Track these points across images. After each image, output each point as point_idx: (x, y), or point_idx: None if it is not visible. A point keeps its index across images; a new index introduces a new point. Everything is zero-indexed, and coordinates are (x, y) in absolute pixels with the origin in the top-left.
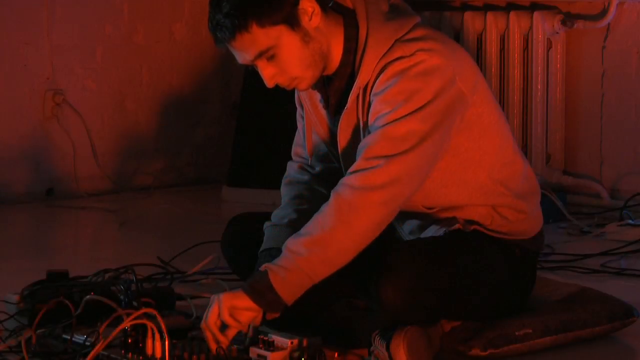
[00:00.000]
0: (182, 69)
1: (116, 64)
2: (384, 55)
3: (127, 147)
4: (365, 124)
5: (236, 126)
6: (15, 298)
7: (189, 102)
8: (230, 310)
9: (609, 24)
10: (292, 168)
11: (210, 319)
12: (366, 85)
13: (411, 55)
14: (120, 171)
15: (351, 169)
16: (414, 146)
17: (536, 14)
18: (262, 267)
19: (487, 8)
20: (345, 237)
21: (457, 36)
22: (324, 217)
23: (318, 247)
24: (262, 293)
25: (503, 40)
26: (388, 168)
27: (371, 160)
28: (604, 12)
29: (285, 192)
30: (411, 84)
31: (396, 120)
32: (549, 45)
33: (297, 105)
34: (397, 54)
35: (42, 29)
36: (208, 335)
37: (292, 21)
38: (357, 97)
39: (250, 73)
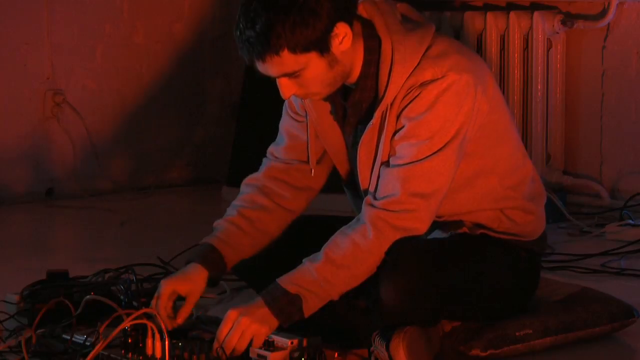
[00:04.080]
0: (182, 69)
1: (116, 64)
2: (412, 72)
3: (127, 147)
4: (388, 138)
5: (236, 126)
6: (15, 298)
7: (189, 102)
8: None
9: (609, 24)
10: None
11: (231, 345)
12: (393, 101)
13: (443, 77)
14: (120, 171)
15: (390, 198)
16: (446, 177)
17: (536, 14)
18: (293, 291)
19: (487, 8)
20: (377, 262)
21: (457, 36)
22: (359, 248)
23: (350, 278)
24: (291, 315)
25: (503, 40)
26: (427, 213)
27: (411, 198)
28: (604, 12)
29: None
30: (446, 111)
31: (434, 153)
32: (549, 45)
33: (289, 110)
34: (428, 74)
35: (42, 29)
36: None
37: (323, 47)
38: (383, 112)
39: (250, 73)
